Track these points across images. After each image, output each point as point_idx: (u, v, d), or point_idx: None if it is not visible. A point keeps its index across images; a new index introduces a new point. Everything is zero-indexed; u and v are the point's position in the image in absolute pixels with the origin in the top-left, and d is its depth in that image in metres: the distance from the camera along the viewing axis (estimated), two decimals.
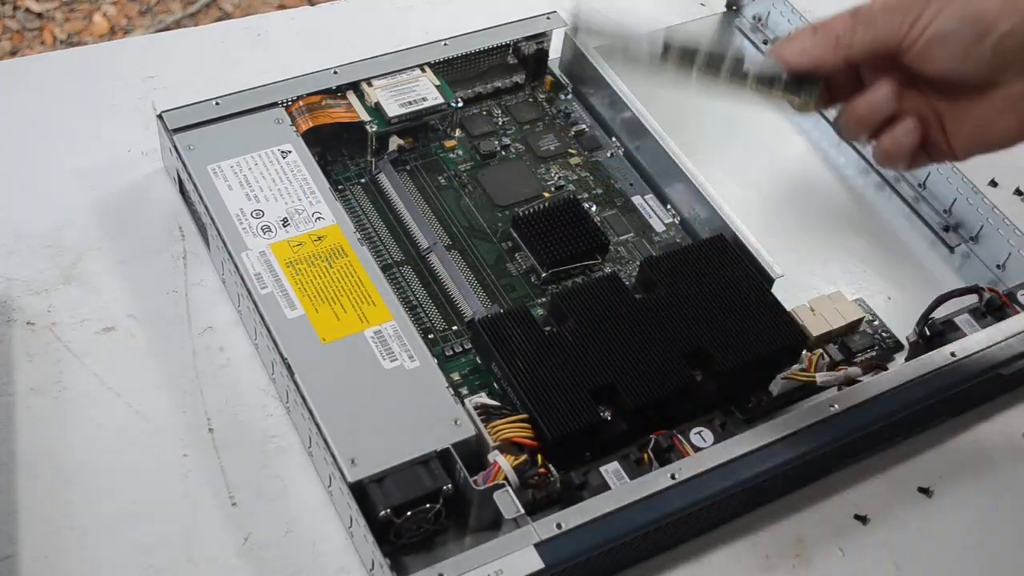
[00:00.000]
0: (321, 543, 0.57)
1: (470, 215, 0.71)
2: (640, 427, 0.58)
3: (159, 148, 0.72)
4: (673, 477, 0.55)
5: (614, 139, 0.76)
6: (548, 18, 0.78)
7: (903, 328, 0.67)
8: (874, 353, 0.67)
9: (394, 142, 0.72)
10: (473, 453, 0.57)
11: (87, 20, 1.83)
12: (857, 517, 0.61)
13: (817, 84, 0.56)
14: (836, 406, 0.59)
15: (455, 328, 0.65)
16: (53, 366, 0.62)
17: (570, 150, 0.76)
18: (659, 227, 0.72)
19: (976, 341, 0.63)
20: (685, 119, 0.80)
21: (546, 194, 0.73)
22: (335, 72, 0.72)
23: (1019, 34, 0.52)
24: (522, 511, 0.53)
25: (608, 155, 0.76)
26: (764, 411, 0.63)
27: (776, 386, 0.63)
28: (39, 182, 0.71)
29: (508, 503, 0.54)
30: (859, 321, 0.67)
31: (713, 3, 0.90)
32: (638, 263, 0.68)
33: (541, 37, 0.78)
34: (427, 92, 0.73)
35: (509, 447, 0.56)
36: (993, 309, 0.66)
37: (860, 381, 0.61)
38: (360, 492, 0.54)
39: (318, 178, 0.67)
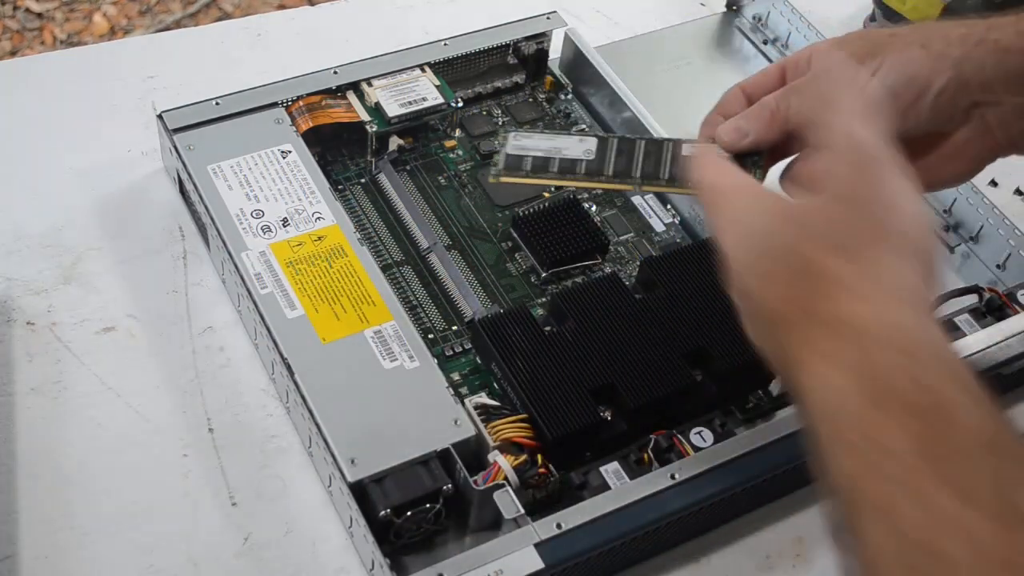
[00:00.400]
0: (321, 543, 0.57)
1: (470, 215, 0.71)
2: (640, 427, 0.58)
3: (159, 148, 0.72)
4: (673, 477, 0.55)
5: None
6: (548, 18, 0.78)
7: None
8: None
9: (394, 142, 0.72)
10: (473, 453, 0.57)
11: (87, 20, 1.83)
12: None
13: (762, 157, 0.53)
14: None
15: (455, 328, 0.65)
16: (53, 366, 0.62)
17: None
18: (659, 227, 0.72)
19: (976, 341, 0.63)
20: (685, 119, 0.80)
21: (546, 194, 0.73)
22: (335, 72, 0.72)
23: (952, 88, 0.51)
24: (522, 511, 0.53)
25: None
26: (764, 411, 0.63)
27: (776, 386, 0.63)
28: (39, 182, 0.71)
29: (508, 503, 0.54)
30: None
31: (713, 3, 0.90)
32: (638, 263, 0.68)
33: (541, 37, 0.78)
34: (427, 92, 0.73)
35: (509, 447, 0.56)
36: (993, 309, 0.66)
37: None
38: (360, 492, 0.54)
39: (318, 178, 0.67)
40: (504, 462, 0.55)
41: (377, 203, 0.71)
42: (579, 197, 0.72)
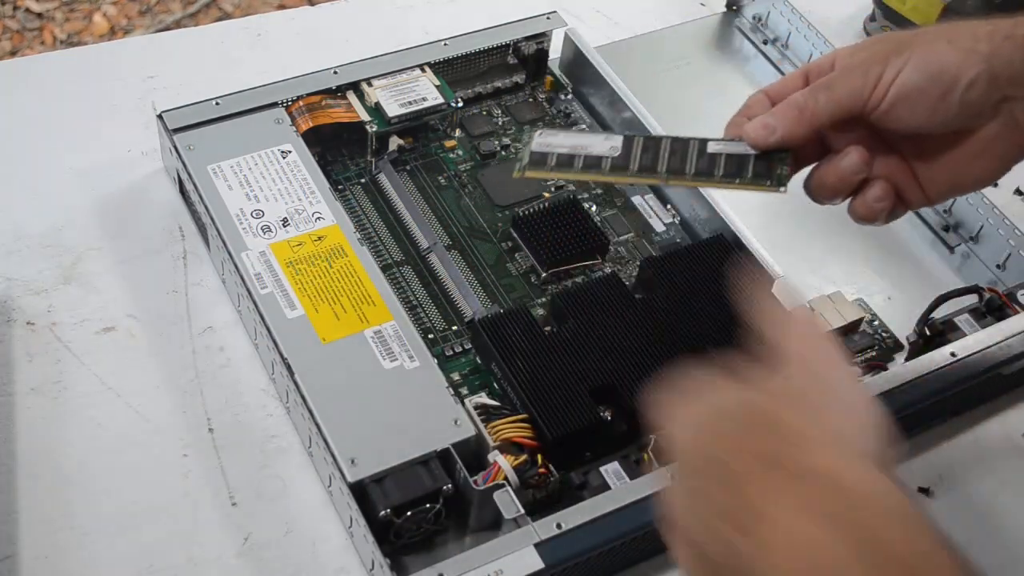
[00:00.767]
0: (321, 543, 0.57)
1: (470, 215, 0.71)
2: (640, 427, 0.58)
3: (159, 148, 0.72)
4: (673, 477, 0.55)
5: None
6: (548, 18, 0.78)
7: (903, 328, 0.67)
8: (874, 353, 0.67)
9: (394, 142, 0.72)
10: (473, 453, 0.57)
11: (87, 20, 1.83)
12: None
13: (788, 155, 0.54)
14: None
15: (455, 328, 0.65)
16: (53, 366, 0.62)
17: None
18: (659, 227, 0.72)
19: (976, 341, 0.63)
20: (685, 119, 0.80)
21: (546, 194, 0.73)
22: (335, 72, 0.72)
23: (983, 82, 0.50)
24: (522, 511, 0.53)
25: None
26: None
27: None
28: (39, 182, 0.71)
29: (508, 503, 0.54)
30: (859, 321, 0.67)
31: (713, 3, 0.90)
32: (638, 263, 0.68)
33: (541, 37, 0.78)
34: (427, 92, 0.73)
35: (509, 447, 0.56)
36: (993, 309, 0.66)
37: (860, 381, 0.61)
38: (360, 492, 0.54)
39: (318, 178, 0.67)
40: (504, 462, 0.55)
41: (377, 203, 0.71)
42: (579, 197, 0.72)
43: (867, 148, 0.53)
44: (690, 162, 0.55)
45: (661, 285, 0.64)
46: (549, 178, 0.55)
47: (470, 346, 0.64)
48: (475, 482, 0.54)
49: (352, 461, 0.54)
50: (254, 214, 0.65)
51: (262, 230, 0.64)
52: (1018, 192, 0.79)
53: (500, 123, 0.77)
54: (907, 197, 0.55)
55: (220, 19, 1.83)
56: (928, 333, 0.65)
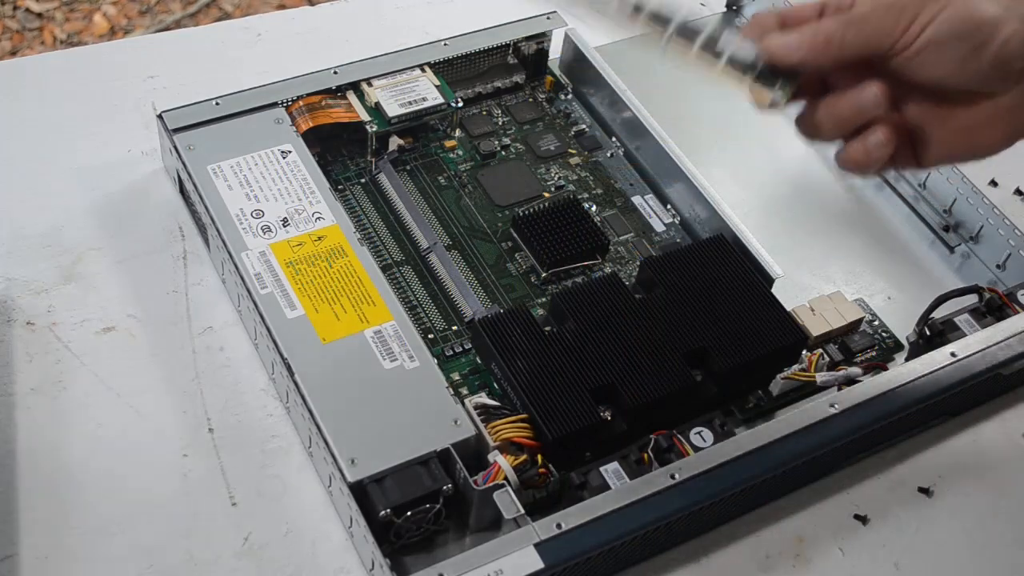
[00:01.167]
0: (321, 543, 0.57)
1: (470, 215, 0.71)
2: (640, 427, 0.58)
3: (159, 148, 0.72)
4: (673, 477, 0.55)
5: (614, 139, 0.76)
6: (548, 18, 0.78)
7: (903, 328, 0.67)
8: (874, 353, 0.67)
9: (394, 142, 0.72)
10: (473, 453, 0.57)
11: (87, 20, 1.83)
12: (857, 517, 0.61)
13: (795, 81, 0.53)
14: (836, 406, 0.59)
15: (455, 328, 0.65)
16: (53, 366, 0.62)
17: (570, 150, 0.76)
18: (659, 227, 0.72)
19: (976, 341, 0.63)
20: (685, 119, 0.80)
21: (546, 194, 0.73)
22: (335, 72, 0.72)
23: (1018, 42, 0.49)
24: (522, 511, 0.53)
25: (608, 155, 0.76)
26: (764, 411, 0.63)
27: (776, 386, 0.63)
28: (39, 182, 0.71)
29: (508, 503, 0.54)
30: (859, 321, 0.67)
31: (713, 3, 0.90)
32: (638, 263, 0.68)
33: (541, 37, 0.78)
34: (427, 92, 0.73)
35: (509, 447, 0.56)
36: (993, 309, 0.66)
37: (860, 381, 0.61)
38: (360, 492, 0.54)
39: (318, 178, 0.67)
40: (504, 462, 0.55)
41: (377, 203, 0.71)
42: (579, 197, 0.72)
43: None
44: (697, 44, 0.55)
45: (661, 285, 0.64)
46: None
47: (470, 346, 0.64)
48: (475, 482, 0.54)
49: (352, 461, 0.54)
50: (254, 214, 0.65)
51: (262, 230, 0.64)
52: (1018, 192, 0.80)
53: (500, 123, 0.77)
54: (897, 156, 0.53)
55: (220, 19, 1.83)
56: (928, 333, 0.65)
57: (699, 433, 0.58)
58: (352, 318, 0.61)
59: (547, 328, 0.62)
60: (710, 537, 0.59)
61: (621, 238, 0.71)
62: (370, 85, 0.72)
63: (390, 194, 0.71)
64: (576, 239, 0.68)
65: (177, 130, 0.68)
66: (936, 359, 0.62)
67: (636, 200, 0.73)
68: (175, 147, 0.67)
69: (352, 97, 0.72)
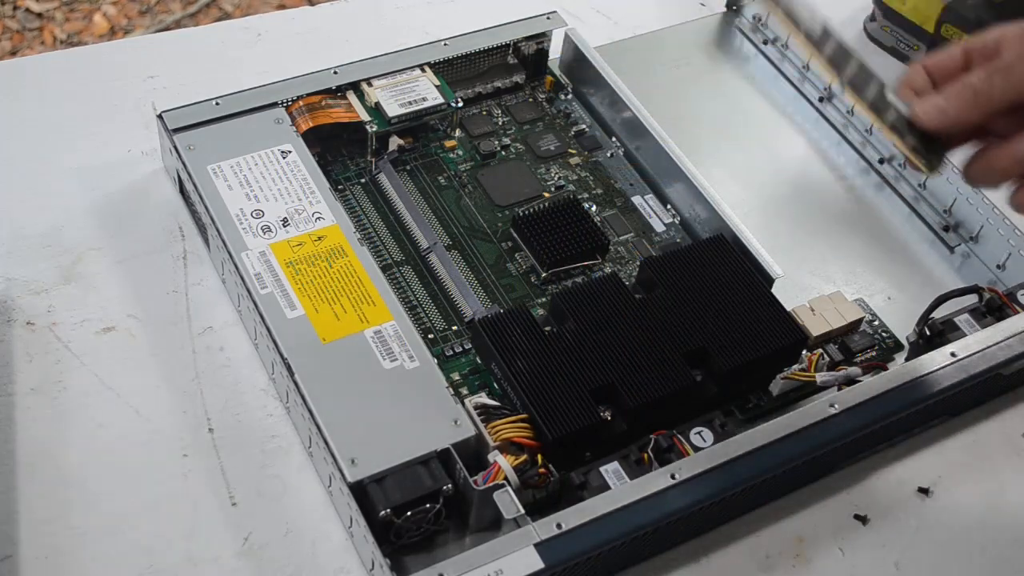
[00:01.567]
0: (321, 543, 0.57)
1: (470, 215, 0.71)
2: (640, 427, 0.58)
3: (159, 148, 0.72)
4: (673, 477, 0.55)
5: (614, 139, 0.76)
6: (548, 18, 0.78)
7: (903, 328, 0.67)
8: (874, 353, 0.67)
9: (394, 142, 0.72)
10: (473, 453, 0.57)
11: (87, 20, 1.83)
12: (857, 517, 0.61)
13: (950, 145, 0.54)
14: (836, 406, 0.59)
15: (455, 328, 0.65)
16: (53, 366, 0.62)
17: (570, 150, 0.76)
18: (659, 227, 0.72)
19: (976, 341, 0.63)
20: (685, 119, 0.80)
21: (546, 194, 0.73)
22: (335, 72, 0.72)
23: None
24: (522, 511, 0.53)
25: (608, 155, 0.76)
26: (764, 411, 0.63)
27: (776, 386, 0.63)
28: (39, 182, 0.71)
29: (508, 503, 0.54)
30: (859, 321, 0.67)
31: (713, 3, 0.90)
32: (638, 263, 0.68)
33: (541, 37, 0.78)
34: (427, 92, 0.73)
35: (509, 447, 0.56)
36: (993, 309, 0.66)
37: (860, 381, 0.61)
38: (360, 492, 0.54)
39: (318, 178, 0.67)
40: (504, 462, 0.55)
41: (377, 203, 0.71)
42: (579, 197, 0.72)
43: None
44: (868, 93, 0.55)
45: (661, 285, 0.64)
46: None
47: (470, 346, 0.64)
48: (475, 482, 0.54)
49: (352, 461, 0.54)
50: (254, 214, 0.65)
51: (262, 230, 0.64)
52: None
53: (500, 123, 0.77)
54: None
55: (220, 19, 1.83)
56: (928, 333, 0.65)
57: (699, 433, 0.58)
58: (352, 318, 0.61)
59: (547, 328, 0.62)
60: (710, 537, 0.59)
61: (621, 238, 0.71)
62: (370, 85, 0.72)
63: (390, 194, 0.71)
64: (576, 239, 0.68)
65: (177, 130, 0.68)
66: (936, 359, 0.62)
67: (636, 200, 0.73)
68: (175, 147, 0.67)
69: (352, 97, 0.72)
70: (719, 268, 0.65)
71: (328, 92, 0.72)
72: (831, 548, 0.60)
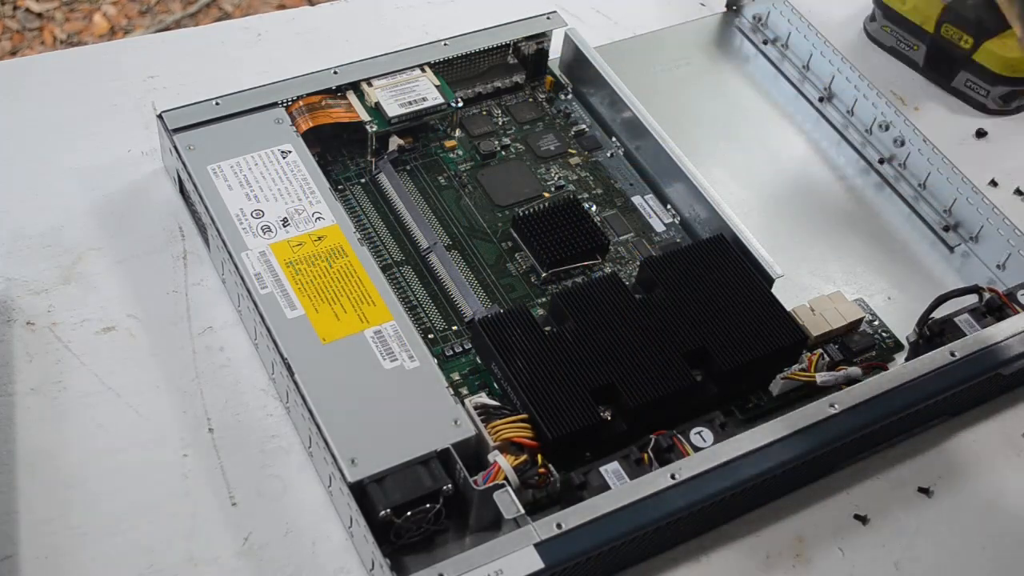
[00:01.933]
0: (321, 543, 0.57)
1: (470, 215, 0.71)
2: (640, 427, 0.58)
3: (159, 148, 0.72)
4: (673, 477, 0.55)
5: (614, 139, 0.77)
6: (548, 18, 0.78)
7: (903, 328, 0.67)
8: (874, 353, 0.67)
9: (394, 142, 0.72)
10: (473, 453, 0.57)
11: (87, 20, 1.83)
12: (857, 517, 0.61)
13: None
14: (836, 406, 0.59)
15: (455, 328, 0.65)
16: (53, 366, 0.62)
17: (570, 150, 0.76)
18: (659, 227, 0.72)
19: (976, 341, 0.63)
20: (685, 119, 0.80)
21: (546, 194, 0.73)
22: (335, 72, 0.72)
23: None
24: (522, 511, 0.53)
25: (608, 155, 0.76)
26: (764, 411, 0.63)
27: (776, 386, 0.63)
28: (39, 182, 0.71)
29: (508, 503, 0.54)
30: (859, 321, 0.67)
31: (713, 3, 0.90)
32: (638, 263, 0.68)
33: (541, 37, 0.78)
34: (427, 92, 0.73)
35: (509, 447, 0.56)
36: (993, 309, 0.66)
37: (860, 381, 0.61)
38: (360, 492, 0.54)
39: (318, 178, 0.67)
40: (504, 462, 0.55)
41: (377, 203, 0.71)
42: (579, 197, 0.72)
43: None
44: None
45: (661, 285, 0.64)
46: None
47: (470, 346, 0.64)
48: (475, 482, 0.54)
49: (352, 461, 0.54)
50: (254, 214, 0.65)
51: (262, 230, 0.64)
52: (1018, 192, 0.80)
53: (500, 123, 0.77)
54: None
55: (220, 19, 1.83)
56: (928, 333, 0.65)
57: (699, 433, 0.58)
58: (352, 318, 0.61)
59: (547, 328, 0.62)
60: (710, 537, 0.59)
61: (621, 238, 0.71)
62: (370, 85, 0.72)
63: (390, 194, 0.71)
64: (576, 239, 0.68)
65: (177, 130, 0.68)
66: (936, 359, 0.62)
67: (636, 200, 0.73)
68: (175, 147, 0.67)
69: (352, 97, 0.72)
70: (719, 268, 0.65)
71: (328, 92, 0.72)
72: (831, 548, 0.60)
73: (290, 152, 0.68)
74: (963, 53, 0.84)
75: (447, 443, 0.56)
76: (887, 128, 0.78)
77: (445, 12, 0.87)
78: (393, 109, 0.71)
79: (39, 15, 1.83)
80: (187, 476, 0.59)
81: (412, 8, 0.87)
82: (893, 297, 0.71)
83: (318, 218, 0.65)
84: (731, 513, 0.60)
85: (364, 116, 0.71)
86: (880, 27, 0.88)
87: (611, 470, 0.56)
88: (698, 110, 0.82)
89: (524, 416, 0.58)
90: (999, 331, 0.64)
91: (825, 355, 0.65)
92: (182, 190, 0.70)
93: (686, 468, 0.56)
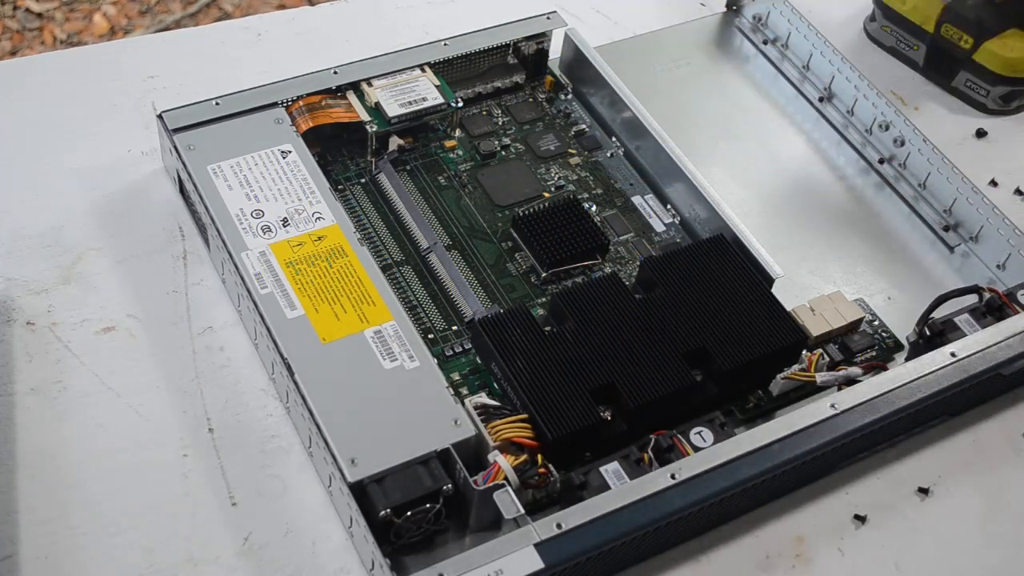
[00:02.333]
0: (321, 543, 0.57)
1: (470, 215, 0.71)
2: (640, 427, 0.58)
3: (159, 148, 0.72)
4: (673, 477, 0.55)
5: (614, 139, 0.77)
6: (548, 18, 0.78)
7: (903, 328, 0.67)
8: (874, 353, 0.67)
9: (394, 142, 0.72)
10: (473, 453, 0.57)
11: (87, 20, 1.83)
12: (857, 517, 0.61)
13: None
14: (836, 406, 0.59)
15: (455, 328, 0.65)
16: (53, 366, 0.62)
17: (570, 150, 0.76)
18: (659, 227, 0.72)
19: (976, 341, 0.63)
20: (685, 119, 0.80)
21: (546, 194, 0.73)
22: (335, 72, 0.72)
23: None
24: (522, 511, 0.53)
25: (608, 155, 0.76)
26: (764, 411, 0.63)
27: (776, 386, 0.63)
28: (39, 182, 0.71)
29: (508, 503, 0.54)
30: (859, 321, 0.67)
31: (713, 3, 0.90)
32: (638, 263, 0.68)
33: (541, 37, 0.78)
34: (427, 92, 0.73)
35: (509, 447, 0.56)
36: (993, 309, 0.66)
37: (860, 381, 0.61)
38: (360, 492, 0.54)
39: (318, 178, 0.67)
40: (504, 462, 0.55)
41: (377, 203, 0.71)
42: (579, 197, 0.72)
43: None
44: None
45: (661, 285, 0.64)
46: None
47: (470, 346, 0.64)
48: (475, 482, 0.54)
49: (352, 461, 0.54)
50: (254, 214, 0.65)
51: (262, 230, 0.64)
52: (1018, 192, 0.80)
53: (500, 123, 0.77)
54: None
55: (220, 19, 1.83)
56: (928, 333, 0.65)
57: (699, 433, 0.58)
58: (352, 318, 0.61)
59: (547, 328, 0.62)
60: (710, 537, 0.59)
61: (621, 238, 0.71)
62: (370, 85, 0.72)
63: (390, 194, 0.71)
64: (576, 239, 0.68)
65: (177, 130, 0.68)
66: (936, 359, 0.62)
67: (636, 200, 0.73)
68: (175, 147, 0.67)
69: (352, 97, 0.72)
70: (719, 268, 0.65)
71: (328, 92, 0.72)
72: (831, 548, 0.60)
73: (290, 152, 0.68)
74: (963, 53, 0.84)
75: (447, 443, 0.56)
76: (887, 128, 0.78)
77: (445, 12, 0.87)
78: (393, 109, 0.71)
79: (39, 15, 1.83)
80: (187, 476, 0.59)
81: (412, 8, 0.87)
82: (893, 297, 0.71)
83: (318, 218, 0.65)
84: (731, 513, 0.60)
85: (364, 116, 0.71)
86: (880, 27, 0.88)
87: (611, 470, 0.56)
88: (698, 110, 0.82)
89: (524, 416, 0.58)
90: (999, 331, 0.64)
91: (825, 355, 0.65)
92: (182, 190, 0.70)
93: (686, 468, 0.56)
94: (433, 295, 0.66)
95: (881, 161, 0.79)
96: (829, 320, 0.65)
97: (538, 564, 0.52)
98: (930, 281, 0.72)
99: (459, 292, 0.66)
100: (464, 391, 0.62)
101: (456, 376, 0.63)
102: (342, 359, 0.59)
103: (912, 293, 0.71)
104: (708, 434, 0.58)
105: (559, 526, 0.53)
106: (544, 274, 0.68)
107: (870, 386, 0.60)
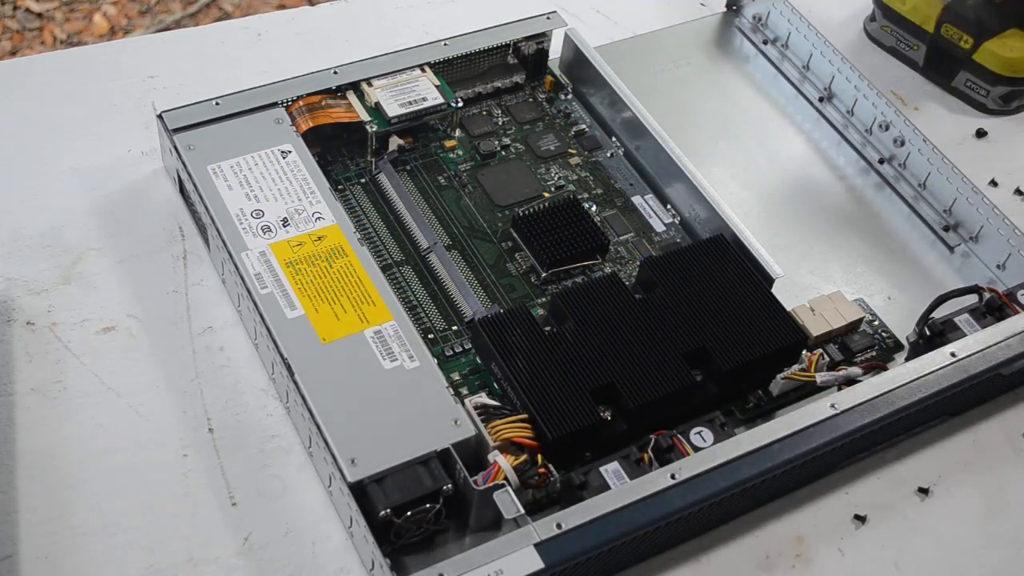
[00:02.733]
0: (321, 543, 0.57)
1: (470, 215, 0.71)
2: (640, 427, 0.58)
3: (159, 148, 0.72)
4: (673, 477, 0.55)
5: (614, 139, 0.77)
6: (548, 18, 0.78)
7: (903, 328, 0.67)
8: (874, 353, 0.67)
9: (394, 142, 0.72)
10: (473, 453, 0.57)
11: (87, 20, 1.83)
12: (857, 517, 0.61)
13: None
14: (836, 406, 0.59)
15: (455, 328, 0.65)
16: (53, 366, 0.62)
17: (570, 150, 0.76)
18: (659, 227, 0.72)
19: (976, 341, 0.63)
20: (685, 119, 0.80)
21: (546, 194, 0.73)
22: (335, 72, 0.72)
23: None
24: (522, 511, 0.53)
25: (608, 155, 0.76)
26: (764, 411, 0.63)
27: (776, 386, 0.63)
28: (39, 182, 0.71)
29: (508, 503, 0.54)
30: (859, 321, 0.67)
31: (713, 3, 0.90)
32: (638, 263, 0.68)
33: (541, 37, 0.78)
34: (427, 92, 0.73)
35: (509, 447, 0.56)
36: (993, 309, 0.66)
37: (860, 381, 0.61)
38: (360, 492, 0.54)
39: (318, 178, 0.67)
40: (504, 462, 0.55)
41: (377, 203, 0.71)
42: (579, 197, 0.72)
43: None
44: None
45: (661, 285, 0.64)
46: None
47: (470, 346, 0.64)
48: (475, 482, 0.54)
49: (352, 461, 0.54)
50: (254, 214, 0.65)
51: (262, 230, 0.64)
52: (1018, 192, 0.80)
53: (500, 123, 0.77)
54: None
55: (220, 19, 1.83)
56: (928, 333, 0.65)
57: (699, 433, 0.58)
58: (352, 318, 0.61)
59: (547, 328, 0.62)
60: (710, 537, 0.59)
61: (621, 238, 0.71)
62: (370, 85, 0.72)
63: (390, 194, 0.71)
64: (576, 239, 0.68)
65: (177, 130, 0.68)
66: (936, 359, 0.62)
67: (636, 200, 0.73)
68: (175, 147, 0.67)
69: (352, 97, 0.72)
70: (719, 268, 0.65)
71: (328, 92, 0.72)
72: (831, 548, 0.60)
73: (290, 152, 0.68)
74: (963, 53, 0.84)
75: (447, 443, 0.56)
76: (887, 128, 0.78)
77: (445, 12, 0.87)
78: (393, 109, 0.71)
79: (39, 15, 1.83)
80: (187, 476, 0.59)
81: (412, 8, 0.87)
82: (893, 297, 0.71)
83: (318, 218, 0.65)
84: (731, 513, 0.60)
85: (364, 116, 0.71)
86: (880, 27, 0.88)
87: (611, 470, 0.56)
88: (698, 110, 0.82)
89: (524, 416, 0.58)
90: (999, 331, 0.64)
91: (825, 355, 0.65)
92: (182, 190, 0.70)
93: (686, 468, 0.56)
94: (433, 295, 0.66)
95: (881, 161, 0.79)
96: (829, 320, 0.65)
97: (538, 564, 0.52)
98: (930, 281, 0.72)
99: (459, 292, 0.66)
100: (464, 391, 0.62)
101: (456, 376, 0.63)
102: (342, 359, 0.59)
103: (912, 293, 0.71)
104: (708, 434, 0.58)
105: (559, 526, 0.53)
106: (544, 274, 0.68)
107: (870, 386, 0.60)
